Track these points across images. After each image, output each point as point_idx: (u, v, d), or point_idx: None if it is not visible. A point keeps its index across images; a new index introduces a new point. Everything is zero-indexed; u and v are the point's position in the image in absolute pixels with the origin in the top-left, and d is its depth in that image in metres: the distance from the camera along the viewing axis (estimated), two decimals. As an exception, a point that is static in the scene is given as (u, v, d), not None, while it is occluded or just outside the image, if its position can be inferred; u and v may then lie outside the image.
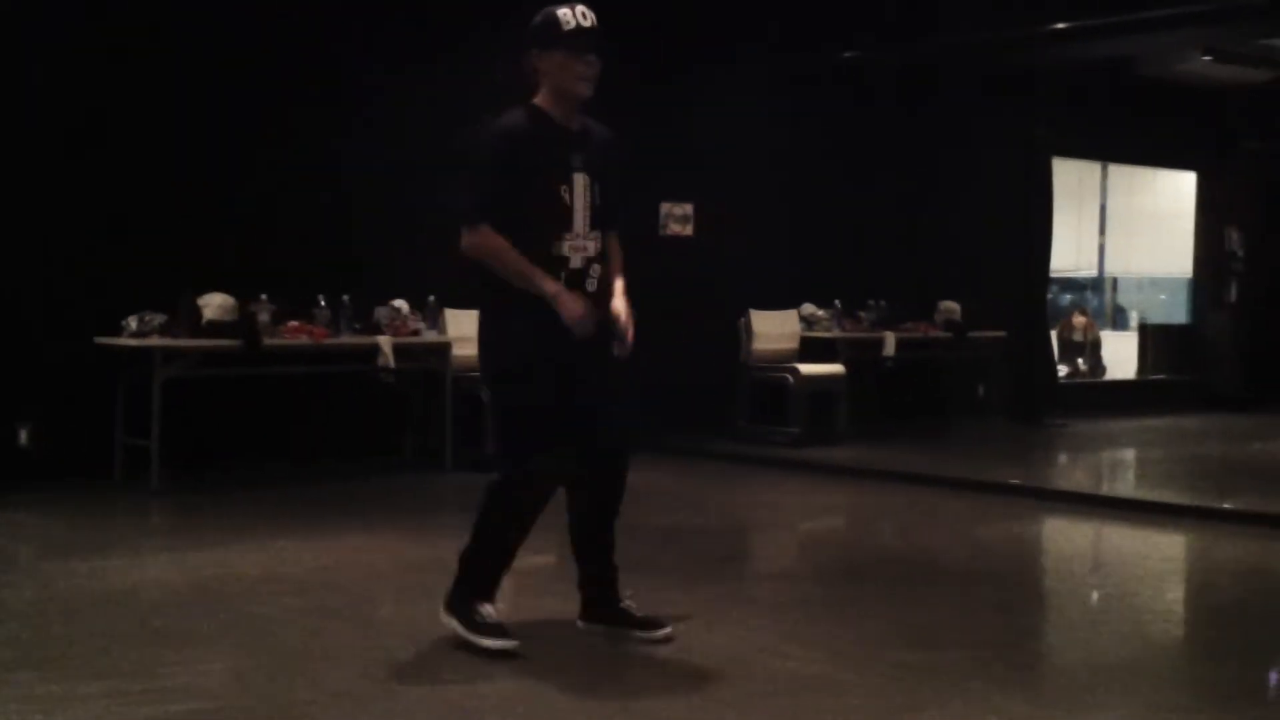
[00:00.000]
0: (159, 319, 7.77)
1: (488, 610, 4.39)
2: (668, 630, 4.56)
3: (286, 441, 8.60)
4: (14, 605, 5.03)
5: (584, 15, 4.31)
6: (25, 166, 7.84)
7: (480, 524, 4.41)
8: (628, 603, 4.60)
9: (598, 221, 4.40)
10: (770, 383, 10.46)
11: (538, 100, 4.39)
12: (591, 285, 4.37)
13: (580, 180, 4.36)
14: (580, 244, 4.34)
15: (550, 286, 4.21)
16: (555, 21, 4.29)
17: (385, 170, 9.00)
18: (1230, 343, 14.19)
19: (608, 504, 4.53)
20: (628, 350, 4.41)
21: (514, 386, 4.31)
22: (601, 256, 4.42)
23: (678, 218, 10.67)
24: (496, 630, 4.35)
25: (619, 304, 4.45)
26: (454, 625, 4.41)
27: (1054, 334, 14.08)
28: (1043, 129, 12.53)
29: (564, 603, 4.90)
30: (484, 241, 4.25)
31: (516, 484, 4.34)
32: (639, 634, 4.54)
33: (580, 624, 4.64)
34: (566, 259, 4.32)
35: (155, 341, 7.67)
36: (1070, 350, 15.00)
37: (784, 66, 10.94)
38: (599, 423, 4.39)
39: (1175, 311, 16.30)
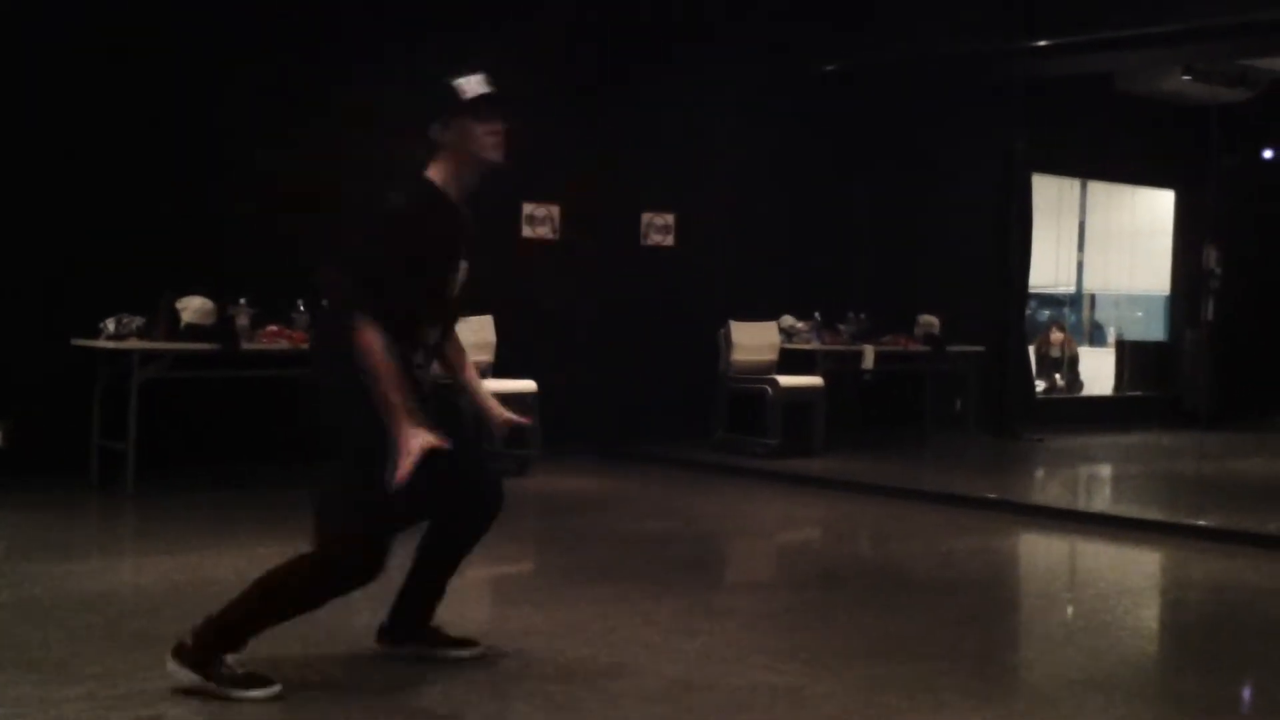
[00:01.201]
0: (137, 321, 7.76)
1: (235, 661, 4.00)
2: (480, 649, 4.45)
3: (263, 445, 8.57)
4: (-13, 606, 5.01)
5: (481, 82, 4.10)
6: (4, 169, 7.82)
7: (278, 591, 4.06)
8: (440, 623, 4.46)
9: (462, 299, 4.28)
10: (749, 394, 10.47)
11: (433, 175, 4.11)
12: (432, 366, 4.26)
13: (463, 269, 4.18)
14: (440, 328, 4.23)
15: (403, 420, 3.82)
16: (453, 90, 4.07)
17: (367, 175, 8.98)
18: (1207, 360, 14.25)
19: (469, 545, 4.42)
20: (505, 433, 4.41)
21: (376, 467, 3.86)
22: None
23: (659, 228, 10.70)
24: (253, 680, 3.98)
25: (490, 401, 4.46)
26: (190, 678, 3.96)
27: (1031, 349, 14.14)
28: (1023, 145, 12.59)
29: (539, 611, 4.91)
30: (368, 340, 3.84)
31: (347, 569, 4.01)
32: (453, 652, 4.41)
33: (380, 646, 4.43)
34: (427, 345, 4.16)
35: (133, 344, 7.66)
36: (1048, 365, 15.06)
37: (764, 79, 10.98)
38: (474, 487, 4.33)
39: (1153, 328, 16.38)
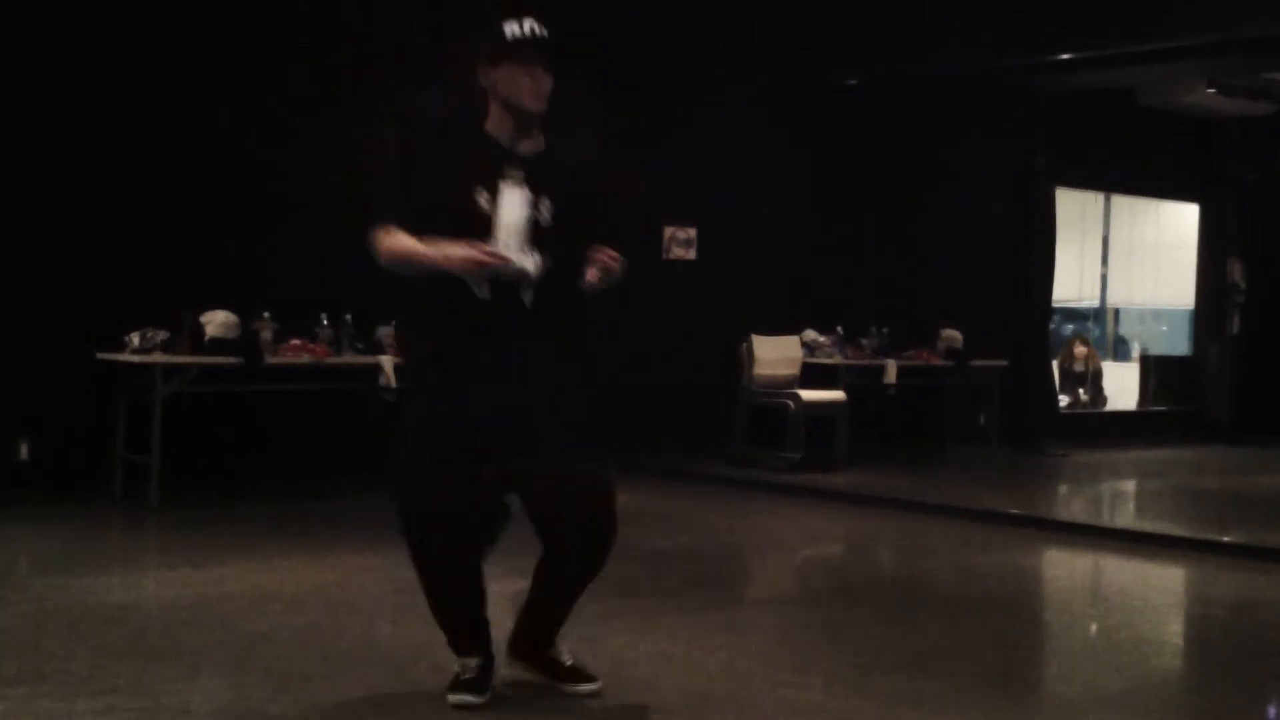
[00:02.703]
0: (161, 335, 7.79)
1: (464, 664, 4.11)
2: (596, 685, 4.21)
3: (286, 459, 8.60)
4: (11, 620, 5.03)
5: (532, 28, 3.97)
6: (28, 181, 7.87)
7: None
8: (561, 652, 4.27)
9: (542, 240, 3.94)
10: (771, 408, 10.46)
11: (486, 123, 4.05)
12: (528, 299, 3.93)
13: (515, 192, 3.94)
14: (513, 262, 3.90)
15: (436, 251, 3.79)
16: (500, 33, 3.96)
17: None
18: (1232, 375, 14.18)
19: (571, 568, 4.13)
20: (597, 276, 3.91)
21: (422, 425, 3.99)
22: (555, 278, 3.94)
23: (681, 241, 10.69)
24: (463, 685, 4.07)
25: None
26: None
27: (1055, 363, 14.09)
28: (1046, 159, 12.57)
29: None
30: (379, 240, 3.92)
31: (409, 531, 4.06)
32: (567, 686, 4.21)
33: (507, 659, 4.28)
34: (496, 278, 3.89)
35: (157, 358, 7.69)
36: (1071, 380, 14.99)
37: (786, 91, 10.99)
38: (566, 499, 3.98)
39: (1177, 343, 16.30)
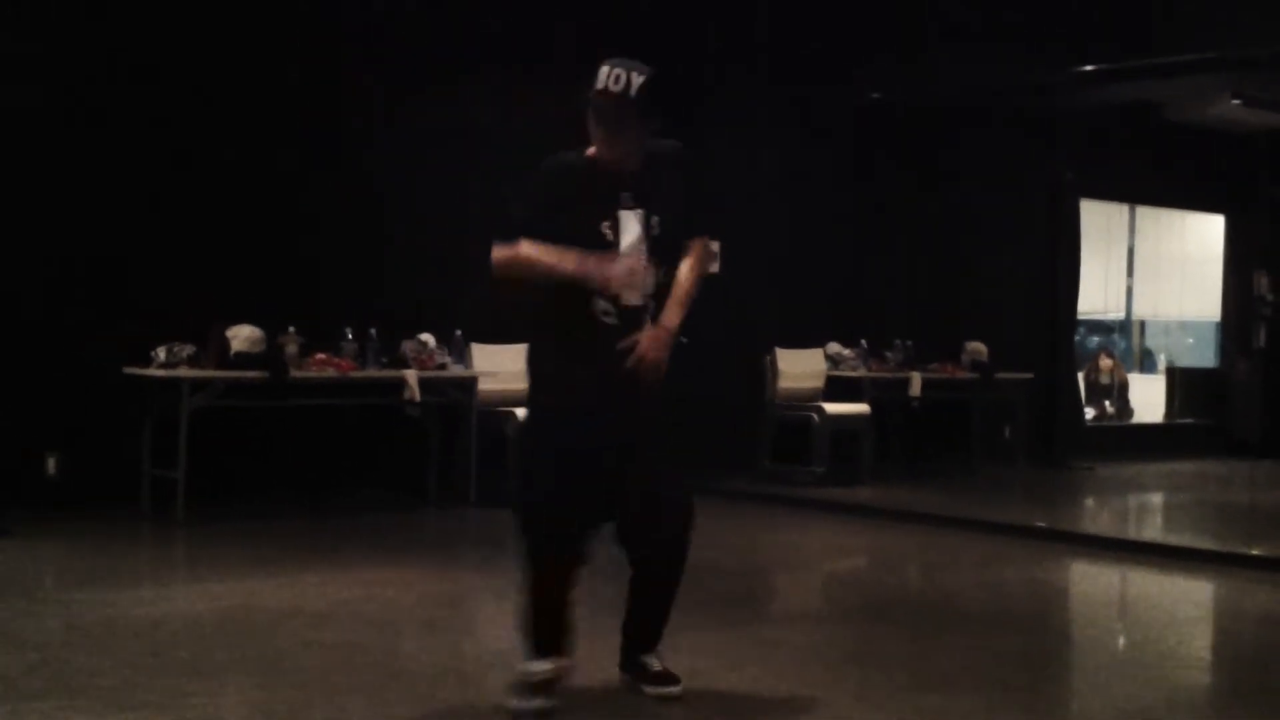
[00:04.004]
0: (188, 350, 7.83)
1: (533, 667, 4.17)
2: (678, 688, 4.39)
3: (311, 473, 8.63)
4: (39, 634, 5.06)
5: (616, 78, 4.10)
6: (55, 196, 7.92)
7: (523, 591, 4.23)
8: (649, 660, 4.43)
9: (658, 254, 4.17)
10: (795, 421, 10.45)
11: (591, 150, 4.23)
12: (648, 314, 4.16)
13: (630, 216, 4.14)
14: (636, 281, 4.11)
15: (579, 261, 3.99)
16: (594, 78, 4.14)
17: (413, 204, 9.07)
18: (1258, 388, 14.11)
19: (656, 574, 4.35)
20: (644, 368, 4.07)
21: (540, 427, 4.23)
22: (664, 291, 4.19)
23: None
24: (531, 688, 4.14)
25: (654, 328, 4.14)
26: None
27: (1081, 376, 14.04)
28: (1071, 171, 12.54)
29: (583, 641, 4.90)
30: (517, 253, 4.05)
31: (530, 554, 4.16)
32: (648, 689, 4.38)
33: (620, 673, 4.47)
34: (616, 296, 4.09)
35: (183, 372, 7.73)
36: (1097, 393, 14.94)
37: (812, 105, 11.00)
38: (651, 508, 4.20)
39: (1203, 355, 16.23)
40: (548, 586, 4.17)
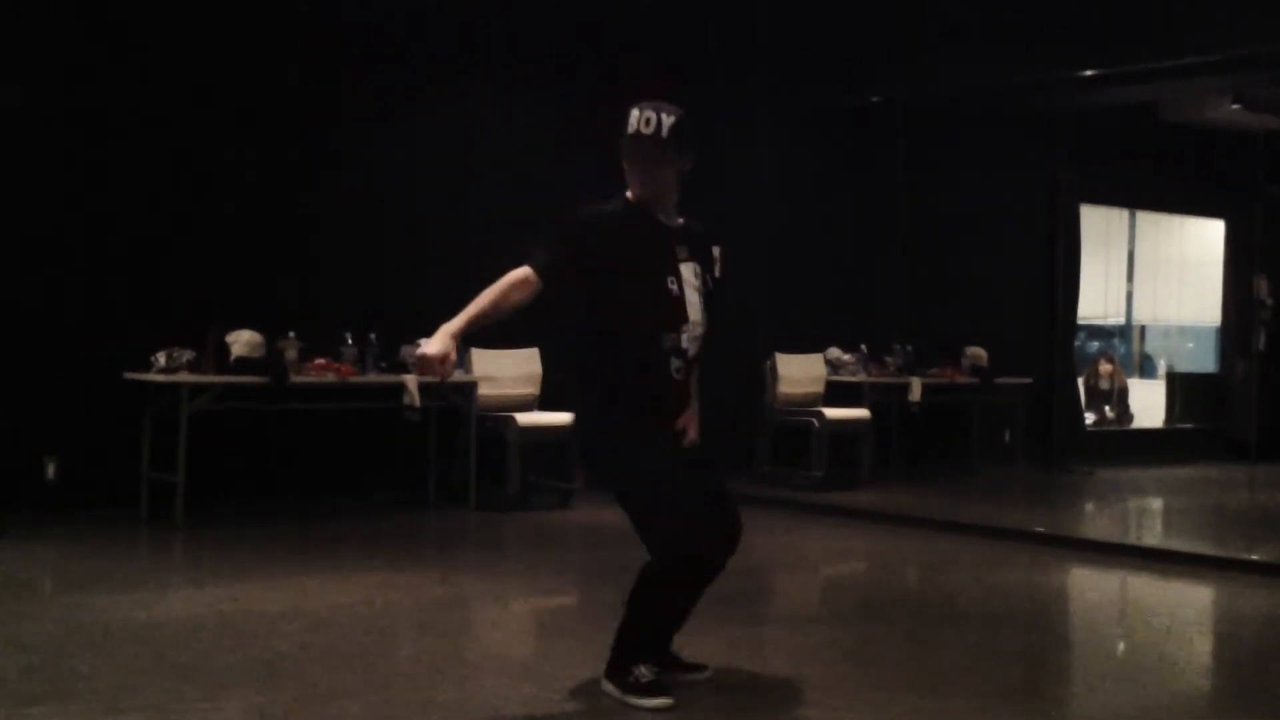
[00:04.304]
0: (187, 355, 7.83)
1: (642, 671, 4.29)
2: (709, 672, 4.59)
3: (311, 478, 8.63)
4: (36, 637, 5.06)
5: (647, 121, 4.26)
6: (56, 200, 7.94)
7: (648, 604, 4.30)
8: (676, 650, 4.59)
9: (710, 308, 4.40)
10: (794, 426, 10.45)
11: (629, 192, 4.38)
12: (698, 358, 4.39)
13: (686, 268, 4.35)
14: (698, 333, 4.34)
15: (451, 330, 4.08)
16: (625, 121, 4.29)
17: (413, 210, 9.08)
18: (1258, 392, 14.09)
19: (713, 572, 4.44)
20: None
21: (632, 465, 4.28)
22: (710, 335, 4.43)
23: (704, 260, 10.69)
24: (653, 688, 4.26)
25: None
26: (610, 689, 4.33)
27: (1080, 381, 14.03)
28: (1071, 175, 12.54)
29: (582, 643, 4.90)
30: (512, 276, 4.12)
31: (686, 555, 4.25)
32: (684, 676, 4.51)
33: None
34: (685, 350, 4.30)
35: (183, 377, 7.73)
36: (1097, 397, 14.93)
37: (809, 108, 11.00)
38: (721, 513, 4.40)
39: (1203, 360, 16.22)
40: (693, 589, 4.32)
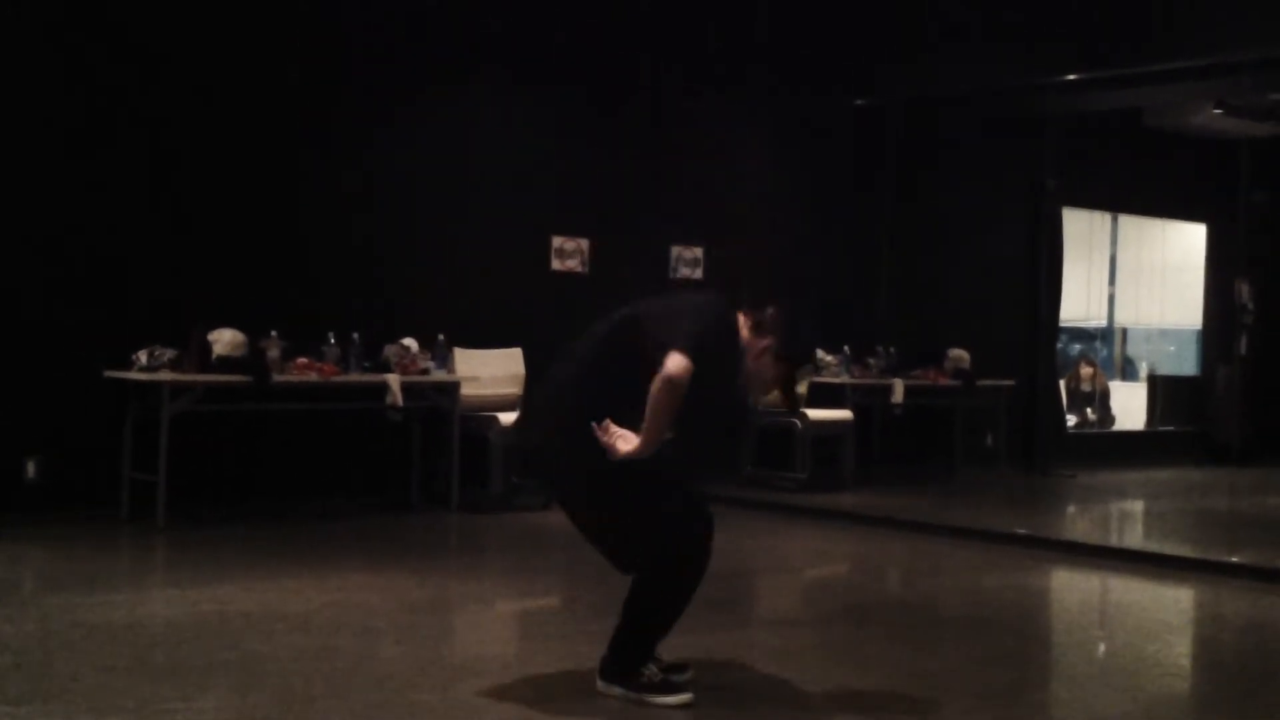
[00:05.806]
0: (169, 354, 7.80)
1: (652, 670, 4.39)
2: (690, 673, 4.58)
3: (293, 478, 8.61)
4: (16, 637, 5.03)
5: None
6: (36, 198, 7.89)
7: (645, 611, 4.40)
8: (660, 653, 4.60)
9: None
10: (777, 428, 10.45)
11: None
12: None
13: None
14: None
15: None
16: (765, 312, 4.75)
17: (396, 210, 9.06)
18: (1239, 395, 14.16)
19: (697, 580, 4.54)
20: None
21: (645, 494, 4.39)
22: None
23: (688, 261, 10.71)
24: (667, 686, 4.36)
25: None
26: (616, 691, 4.37)
27: (1062, 384, 14.06)
28: (1053, 179, 12.58)
29: (565, 645, 4.90)
30: (684, 377, 4.22)
31: (684, 565, 4.39)
32: (671, 678, 4.50)
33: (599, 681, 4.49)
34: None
35: (165, 376, 7.70)
36: (1078, 400, 14.98)
37: (794, 112, 11.03)
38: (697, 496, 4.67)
39: (1185, 363, 16.29)
40: (693, 586, 4.44)
